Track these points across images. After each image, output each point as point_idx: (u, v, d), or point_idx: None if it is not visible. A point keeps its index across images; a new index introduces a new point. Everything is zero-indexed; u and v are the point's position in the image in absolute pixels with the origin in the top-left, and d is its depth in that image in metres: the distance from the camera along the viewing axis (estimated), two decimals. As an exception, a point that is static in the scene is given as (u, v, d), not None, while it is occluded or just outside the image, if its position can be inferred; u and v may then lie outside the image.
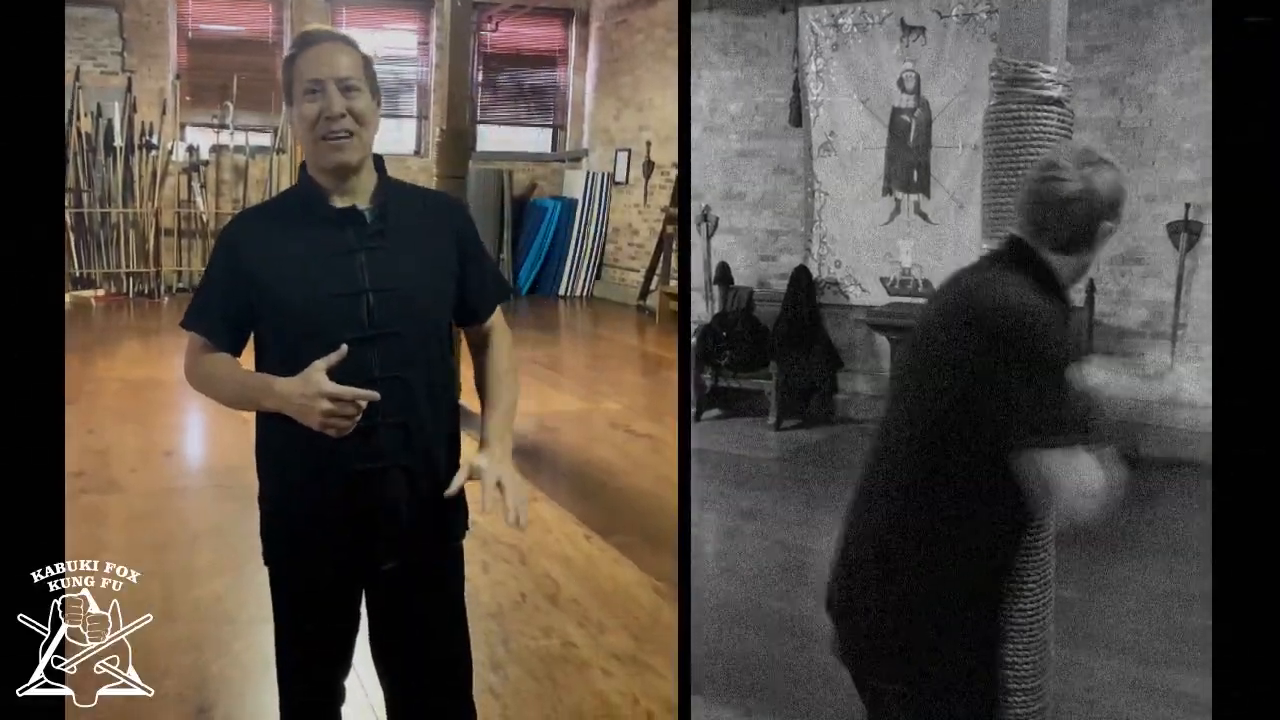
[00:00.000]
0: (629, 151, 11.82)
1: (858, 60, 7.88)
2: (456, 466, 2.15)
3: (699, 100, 8.59)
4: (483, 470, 2.05)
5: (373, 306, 1.96)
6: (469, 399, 2.30)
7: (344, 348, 1.86)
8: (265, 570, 2.14)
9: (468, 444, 2.19)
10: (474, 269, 2.15)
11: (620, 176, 11.99)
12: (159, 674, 3.16)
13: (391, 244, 2.01)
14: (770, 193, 8.47)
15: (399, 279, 1.99)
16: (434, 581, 2.15)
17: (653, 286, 10.80)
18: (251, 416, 2.09)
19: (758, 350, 7.96)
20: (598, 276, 12.28)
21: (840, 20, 7.91)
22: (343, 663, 2.18)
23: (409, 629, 2.14)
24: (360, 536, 2.03)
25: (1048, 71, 2.50)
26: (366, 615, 2.17)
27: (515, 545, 4.24)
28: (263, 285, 1.97)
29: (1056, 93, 2.51)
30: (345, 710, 2.24)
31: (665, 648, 3.47)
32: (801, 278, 8.07)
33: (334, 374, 1.87)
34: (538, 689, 3.23)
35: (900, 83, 7.76)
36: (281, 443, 2.01)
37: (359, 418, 1.87)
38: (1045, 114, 2.51)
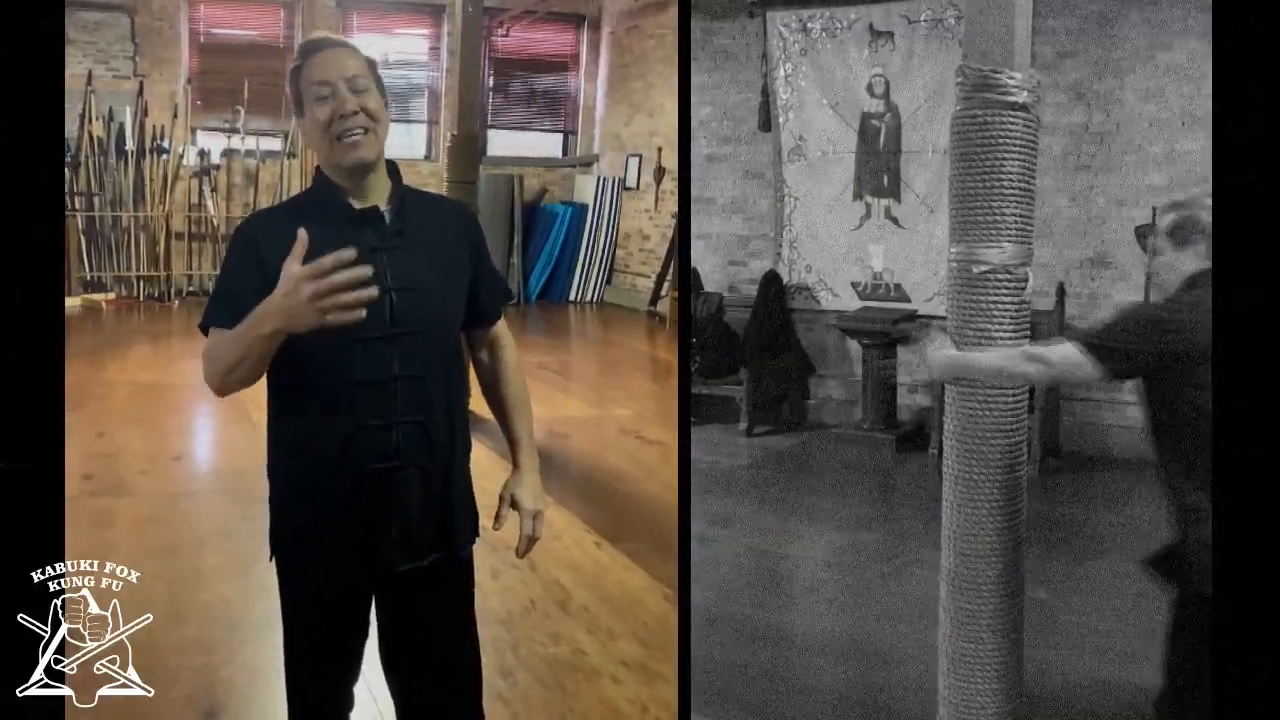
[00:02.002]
0: (640, 157, 11.82)
1: (827, 65, 7.85)
2: (467, 469, 2.16)
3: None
4: (522, 505, 2.17)
5: (395, 305, 1.95)
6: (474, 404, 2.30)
7: (302, 233, 1.75)
8: (273, 574, 2.12)
9: (478, 449, 2.19)
10: (484, 274, 2.16)
11: (631, 182, 11.99)
12: (167, 677, 3.15)
13: (410, 245, 2.01)
14: (740, 197, 8.42)
15: (418, 279, 1.99)
16: (445, 587, 2.13)
17: (663, 292, 10.79)
18: (261, 421, 2.07)
19: (728, 356, 7.88)
20: (608, 282, 12.27)
21: (809, 25, 7.88)
22: (352, 668, 2.17)
23: (420, 634, 2.12)
24: (372, 537, 2.02)
25: (1013, 78, 2.50)
26: (376, 621, 2.15)
27: (525, 551, 4.23)
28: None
29: (1022, 98, 2.52)
30: (354, 717, 2.23)
31: (675, 655, 3.45)
32: (772, 283, 8.00)
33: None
34: (547, 696, 3.21)
35: (869, 87, 7.73)
36: (296, 440, 2.00)
37: (361, 295, 1.73)
38: (1011, 119, 2.52)
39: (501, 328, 2.26)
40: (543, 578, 4.03)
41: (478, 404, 2.30)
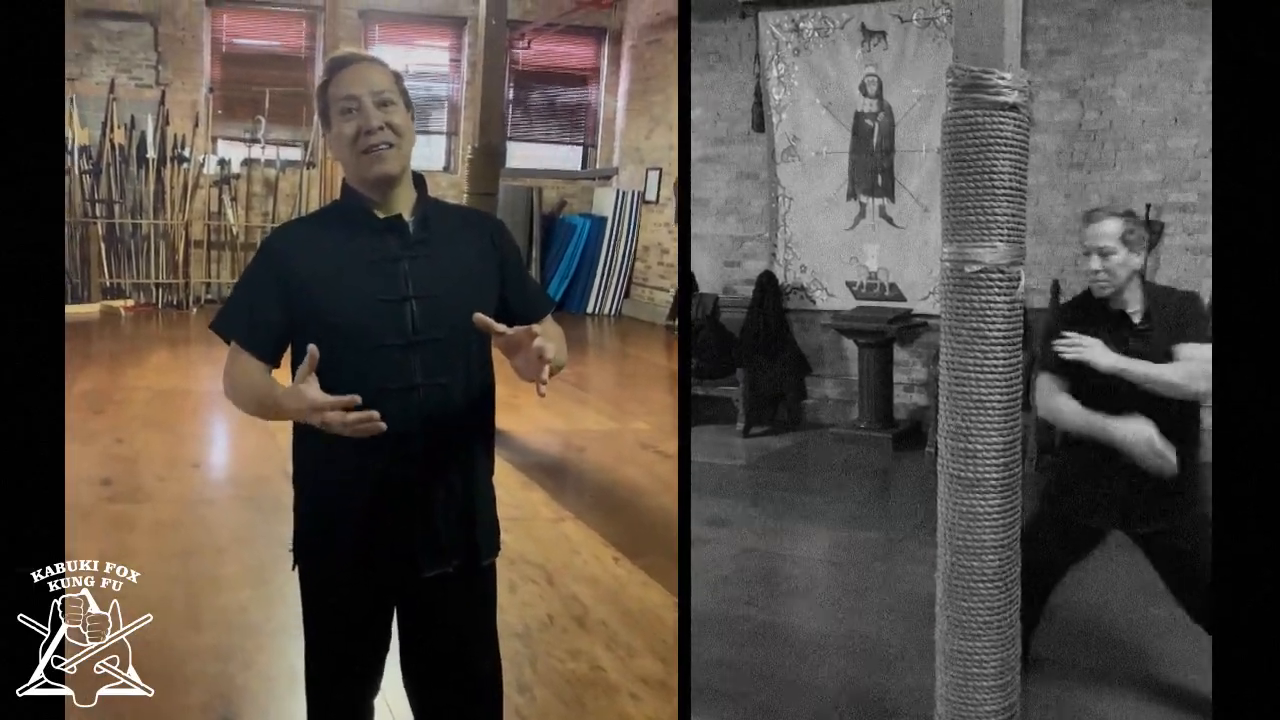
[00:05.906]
0: (659, 170, 11.81)
1: (819, 65, 7.82)
2: (490, 478, 2.15)
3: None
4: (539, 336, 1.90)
5: (415, 313, 1.97)
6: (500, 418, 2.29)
7: (314, 350, 1.83)
8: (290, 582, 2.12)
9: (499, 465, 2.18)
10: (516, 283, 2.15)
11: (650, 195, 11.98)
12: (183, 683, 3.14)
13: (433, 253, 2.03)
14: (734, 198, 8.39)
15: (441, 287, 2.00)
16: (468, 597, 2.12)
17: (680, 306, 10.78)
18: (279, 427, 2.07)
19: (724, 357, 7.84)
20: (626, 295, 12.25)
21: (801, 25, 7.85)
22: (373, 680, 2.16)
23: (442, 645, 2.11)
24: (398, 543, 2.02)
25: (1003, 78, 2.49)
26: (398, 633, 2.14)
27: (542, 566, 4.21)
28: (305, 290, 1.97)
29: (1012, 98, 2.51)
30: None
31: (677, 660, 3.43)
32: (767, 283, 7.96)
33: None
34: (565, 712, 3.18)
35: (862, 87, 7.70)
36: (319, 449, 1.99)
37: (371, 428, 1.81)
38: (1002, 119, 2.51)
39: (549, 321, 2.19)
40: (560, 592, 4.01)
41: (501, 420, 2.29)
